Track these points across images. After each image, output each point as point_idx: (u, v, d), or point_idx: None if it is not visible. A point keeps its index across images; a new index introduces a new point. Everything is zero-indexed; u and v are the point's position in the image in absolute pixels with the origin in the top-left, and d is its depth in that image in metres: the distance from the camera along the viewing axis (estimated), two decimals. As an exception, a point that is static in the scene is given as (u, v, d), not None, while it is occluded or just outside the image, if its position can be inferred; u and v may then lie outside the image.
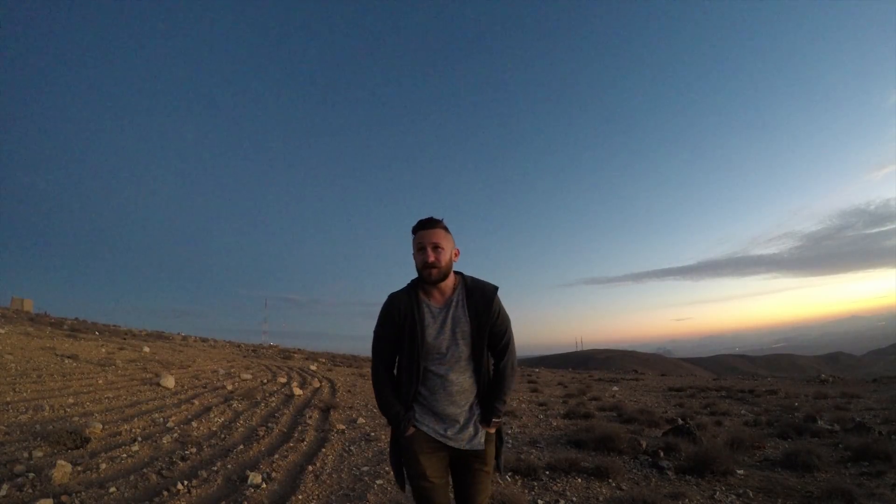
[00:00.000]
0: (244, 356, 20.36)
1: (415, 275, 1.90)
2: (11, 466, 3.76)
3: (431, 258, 1.78)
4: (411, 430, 1.83)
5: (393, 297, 1.87)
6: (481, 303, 1.83)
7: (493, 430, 1.89)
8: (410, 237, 1.87)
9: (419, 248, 1.82)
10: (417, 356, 1.81)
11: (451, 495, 1.93)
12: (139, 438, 4.94)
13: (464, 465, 1.87)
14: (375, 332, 1.90)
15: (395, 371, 1.93)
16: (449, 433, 1.82)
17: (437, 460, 1.83)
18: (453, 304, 1.85)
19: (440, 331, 1.83)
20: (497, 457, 1.94)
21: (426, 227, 1.83)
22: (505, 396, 1.89)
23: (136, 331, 25.84)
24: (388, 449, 1.98)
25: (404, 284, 1.93)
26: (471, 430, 1.83)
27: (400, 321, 1.83)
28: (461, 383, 1.83)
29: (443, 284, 1.85)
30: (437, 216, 1.87)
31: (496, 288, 1.89)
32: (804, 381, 16.07)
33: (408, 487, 1.91)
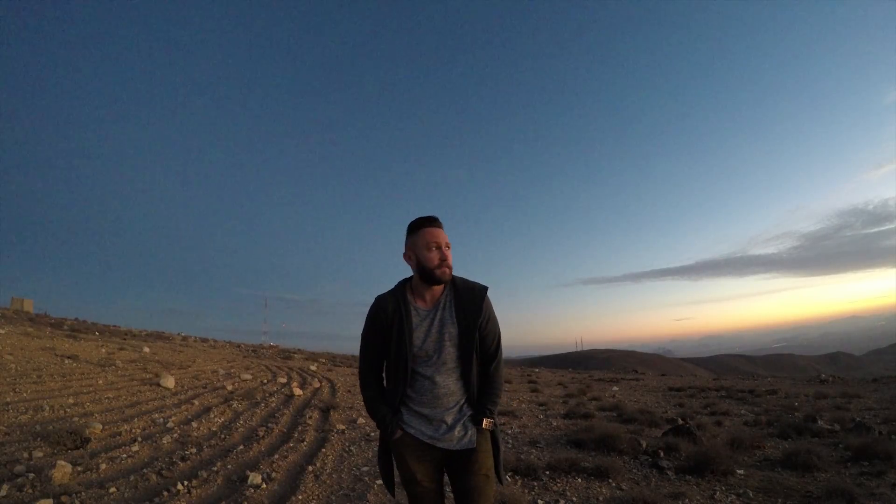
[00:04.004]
0: (244, 356, 20.36)
1: (403, 276, 1.89)
2: (11, 466, 3.75)
3: (449, 258, 1.75)
4: (399, 434, 1.78)
5: (379, 300, 1.81)
6: (470, 304, 1.78)
7: (485, 427, 1.80)
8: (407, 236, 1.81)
9: (432, 247, 1.74)
10: (405, 359, 1.76)
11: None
12: (139, 439, 4.94)
13: (459, 468, 1.78)
14: (363, 335, 1.86)
15: (382, 373, 1.90)
16: (437, 434, 1.75)
17: (427, 464, 1.78)
18: (441, 305, 1.80)
19: (427, 333, 1.78)
20: (497, 467, 1.84)
21: (436, 224, 1.77)
22: (496, 399, 1.84)
23: (135, 331, 25.84)
24: (378, 453, 1.91)
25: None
26: (459, 429, 1.76)
27: (387, 324, 1.78)
28: (448, 385, 1.77)
29: (435, 285, 1.80)
30: (434, 215, 1.82)
31: (486, 288, 1.83)
32: (804, 381, 16.07)
33: (402, 492, 1.87)
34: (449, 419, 1.76)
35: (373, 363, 1.86)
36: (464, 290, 1.81)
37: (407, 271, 1.89)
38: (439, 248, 1.74)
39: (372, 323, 1.82)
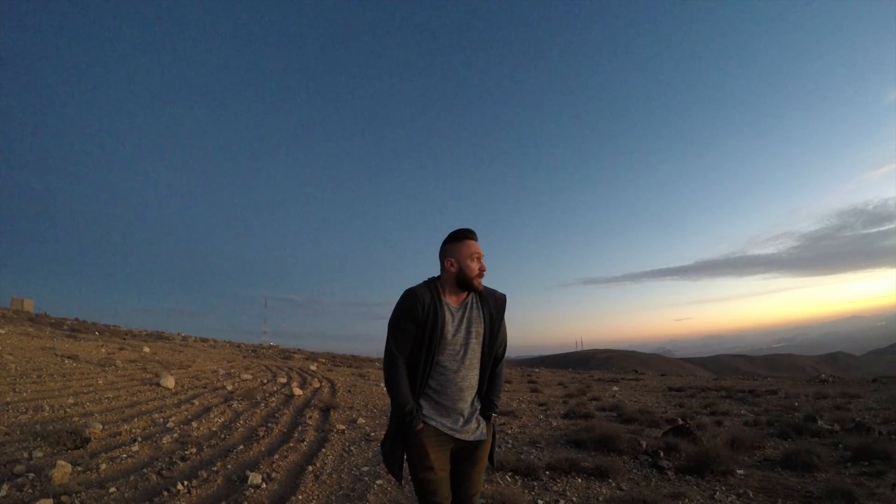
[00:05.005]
0: (244, 356, 20.36)
1: (429, 274, 2.05)
2: (11, 466, 3.75)
3: (485, 268, 1.98)
4: (421, 426, 1.90)
5: (415, 292, 1.92)
6: (495, 308, 2.01)
7: (492, 422, 2.06)
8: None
9: (475, 258, 1.95)
10: (434, 352, 1.90)
11: None
12: (139, 438, 4.94)
13: (465, 457, 1.99)
14: (395, 325, 1.93)
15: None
16: (457, 426, 1.93)
17: (442, 453, 1.93)
18: (468, 305, 1.99)
19: (457, 329, 1.95)
20: (491, 452, 2.08)
21: (476, 237, 2.00)
22: (500, 393, 2.09)
23: (136, 331, 25.86)
24: (389, 444, 1.97)
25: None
26: (474, 423, 1.97)
27: (422, 317, 1.89)
28: (469, 380, 1.96)
29: (467, 291, 2.01)
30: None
31: (505, 296, 2.07)
32: (804, 381, 16.06)
33: (407, 486, 1.95)
34: (465, 412, 1.96)
35: (402, 354, 1.94)
36: (487, 295, 2.03)
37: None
38: (480, 259, 1.97)
39: (405, 313, 1.91)
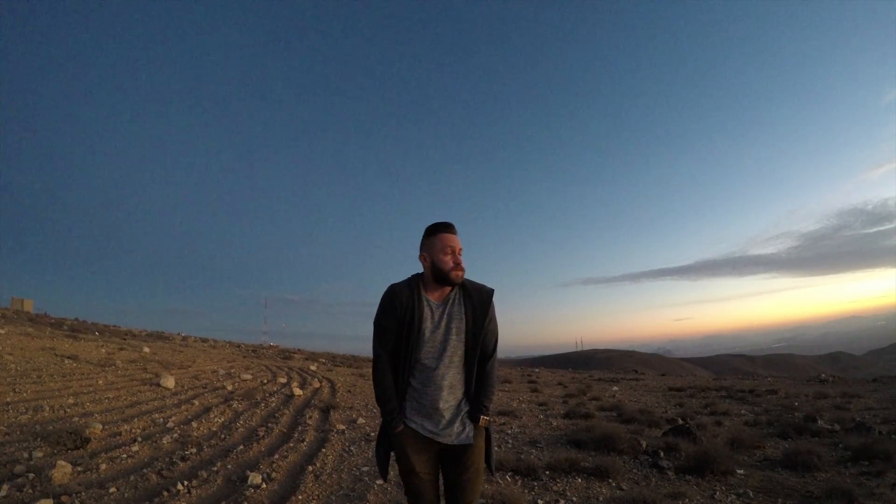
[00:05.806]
0: (244, 356, 20.36)
1: (414, 271, 1.98)
2: (11, 467, 3.75)
3: (461, 262, 1.89)
4: (401, 427, 1.87)
5: (394, 289, 1.89)
6: (479, 302, 1.91)
7: (481, 426, 1.91)
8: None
9: (447, 251, 1.86)
10: (413, 348, 1.85)
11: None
12: (139, 439, 4.94)
13: (452, 461, 1.89)
14: (377, 322, 1.92)
15: (392, 362, 1.96)
16: (437, 429, 1.85)
17: (425, 456, 1.88)
18: (451, 301, 1.92)
19: (437, 325, 1.88)
20: (488, 458, 1.96)
21: (452, 230, 1.91)
22: (492, 394, 1.95)
23: (136, 331, 25.87)
24: (377, 439, 2.00)
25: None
26: (458, 425, 1.86)
27: (401, 312, 1.85)
28: (450, 378, 1.87)
29: (447, 286, 1.92)
30: (450, 221, 1.92)
31: (492, 290, 1.96)
32: (804, 381, 16.07)
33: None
34: (448, 413, 1.86)
35: (385, 350, 1.91)
36: (472, 290, 1.94)
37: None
38: (453, 252, 1.87)
39: (385, 310, 1.89)
